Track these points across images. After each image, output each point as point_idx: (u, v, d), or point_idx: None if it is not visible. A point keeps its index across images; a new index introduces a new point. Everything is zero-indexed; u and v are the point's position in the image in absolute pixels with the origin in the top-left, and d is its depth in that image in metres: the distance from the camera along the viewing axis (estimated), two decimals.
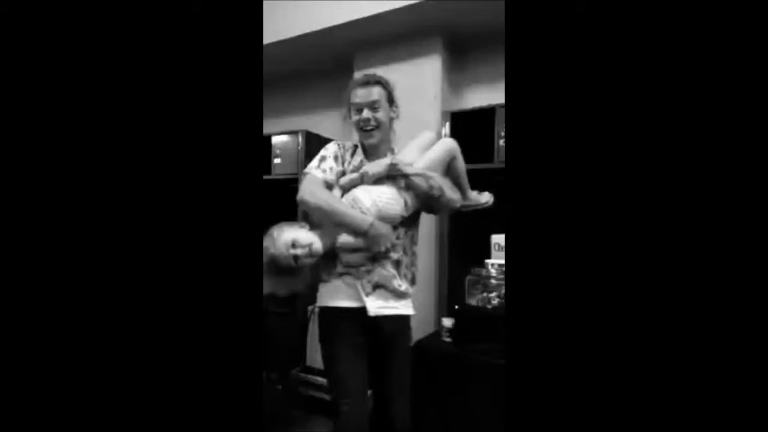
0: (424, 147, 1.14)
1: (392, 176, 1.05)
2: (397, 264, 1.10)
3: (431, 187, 1.04)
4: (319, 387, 1.92)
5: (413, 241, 1.17)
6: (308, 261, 0.98)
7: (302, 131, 2.26)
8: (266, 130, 2.50)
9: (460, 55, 2.21)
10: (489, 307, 1.47)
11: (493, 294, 1.49)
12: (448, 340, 1.60)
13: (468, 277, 1.59)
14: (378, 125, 1.12)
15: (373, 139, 1.13)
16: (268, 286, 0.97)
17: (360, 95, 1.12)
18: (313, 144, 2.32)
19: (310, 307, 2.03)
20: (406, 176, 1.04)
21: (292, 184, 2.29)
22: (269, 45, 2.31)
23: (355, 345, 1.09)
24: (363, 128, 1.13)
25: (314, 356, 1.99)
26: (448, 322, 1.62)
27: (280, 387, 1.94)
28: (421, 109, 2.06)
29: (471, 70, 2.21)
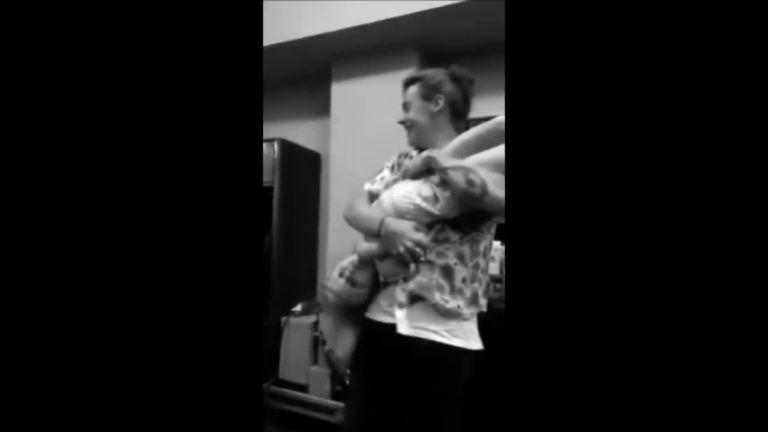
0: (483, 136, 0.90)
1: (431, 171, 0.89)
2: (446, 272, 0.86)
3: (470, 183, 0.80)
4: (292, 401, 1.87)
5: (477, 252, 0.90)
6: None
7: (278, 139, 2.24)
8: None
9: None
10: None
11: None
12: None
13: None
14: (411, 125, 1.03)
15: (410, 138, 1.05)
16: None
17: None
18: (289, 152, 2.30)
19: (283, 318, 1.98)
20: (443, 170, 0.85)
21: (266, 193, 2.26)
22: None
23: (371, 372, 0.93)
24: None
25: (287, 369, 1.94)
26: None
27: None
28: (394, 121, 2.08)
29: None
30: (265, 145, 2.28)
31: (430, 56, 2.20)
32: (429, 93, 0.99)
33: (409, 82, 1.04)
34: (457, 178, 0.82)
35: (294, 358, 1.92)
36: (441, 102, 0.98)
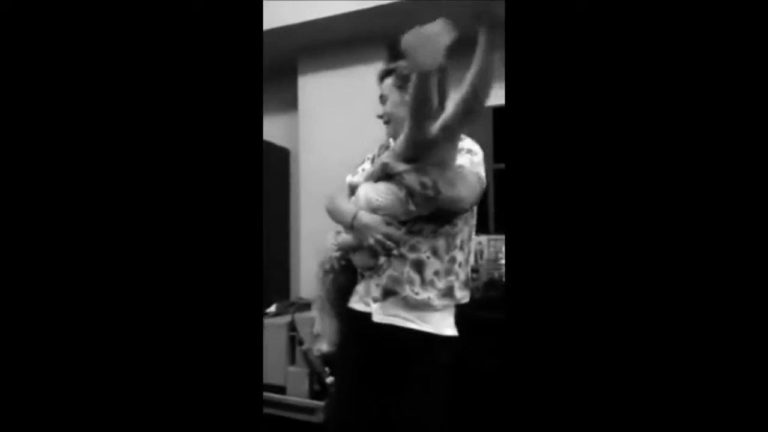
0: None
1: (390, 175, 0.92)
2: (417, 265, 0.90)
3: (423, 185, 0.84)
4: (271, 404, 1.83)
5: (453, 245, 0.92)
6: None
7: None
8: None
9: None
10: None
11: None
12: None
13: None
14: (389, 119, 1.02)
15: (389, 131, 1.04)
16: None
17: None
18: None
19: None
20: (398, 174, 0.88)
21: None
22: None
23: (355, 359, 0.96)
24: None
25: (264, 371, 1.90)
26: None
27: None
28: (364, 115, 2.07)
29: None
30: None
31: (398, 51, 2.19)
32: (403, 83, 0.97)
33: (384, 75, 1.04)
34: (412, 181, 0.85)
35: (271, 359, 1.88)
36: None
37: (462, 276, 0.93)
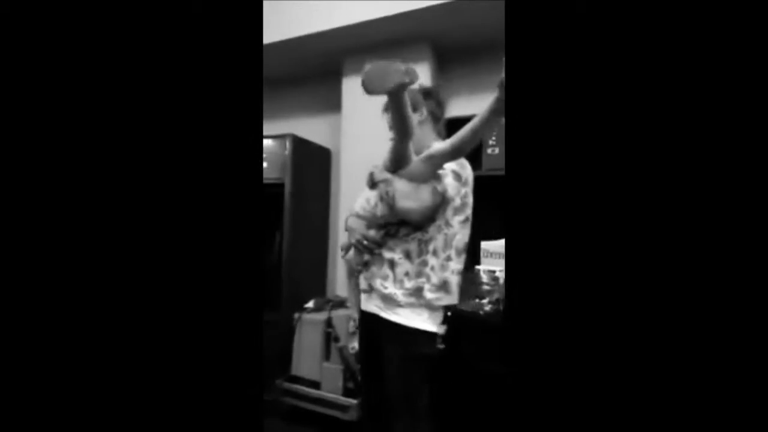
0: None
1: (375, 183, 1.09)
2: (391, 264, 1.04)
3: (386, 194, 1.00)
4: (305, 397, 1.87)
5: (426, 251, 1.04)
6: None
7: (289, 135, 2.23)
8: None
9: (447, 64, 2.24)
10: (482, 312, 1.47)
11: (485, 300, 1.49)
12: (441, 347, 1.59)
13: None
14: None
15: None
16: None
17: None
18: (300, 148, 2.30)
19: (296, 315, 1.99)
20: (376, 182, 1.06)
21: (278, 189, 2.26)
22: None
23: (361, 344, 1.20)
24: None
25: (300, 365, 1.94)
26: (440, 328, 1.61)
27: (263, 398, 1.88)
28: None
29: (456, 79, 2.24)
30: (276, 142, 2.28)
31: (442, 51, 2.17)
32: (414, 106, 1.10)
33: (386, 108, 1.18)
34: (381, 189, 1.03)
35: (307, 354, 1.92)
36: (424, 112, 1.16)
37: (435, 279, 1.03)
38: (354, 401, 1.73)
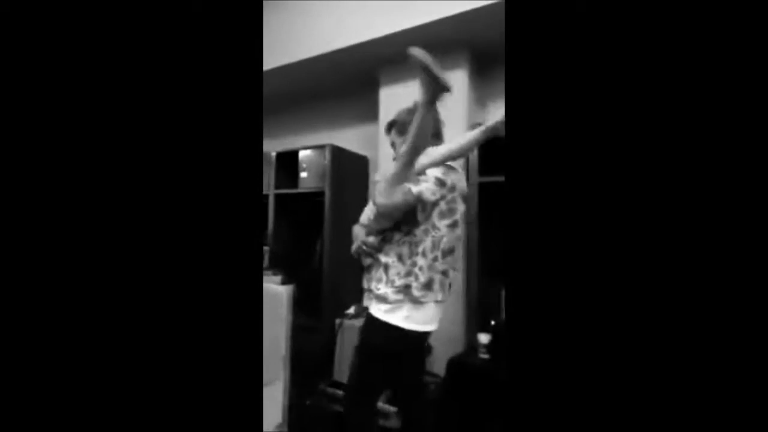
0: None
1: None
2: (385, 268, 1.14)
3: (372, 195, 1.16)
4: None
5: (416, 252, 1.12)
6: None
7: (328, 145, 2.29)
8: (293, 145, 2.55)
9: (486, 68, 2.21)
10: None
11: None
12: (485, 356, 1.55)
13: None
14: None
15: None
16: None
17: None
18: (339, 158, 2.35)
19: (338, 321, 2.02)
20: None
21: (318, 197, 2.32)
22: (297, 63, 2.38)
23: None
24: None
25: (342, 370, 1.97)
26: (484, 338, 1.58)
27: (307, 402, 1.92)
28: (448, 123, 2.06)
29: (494, 84, 2.20)
30: (316, 152, 2.34)
31: (480, 56, 2.14)
32: (405, 129, 1.19)
33: (388, 128, 1.32)
34: (371, 190, 1.19)
35: (348, 360, 1.95)
36: (401, 139, 1.23)
37: (422, 278, 1.11)
38: (395, 409, 1.73)
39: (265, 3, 2.60)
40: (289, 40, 2.42)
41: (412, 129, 1.05)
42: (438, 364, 1.82)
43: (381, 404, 1.79)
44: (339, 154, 2.35)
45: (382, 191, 1.09)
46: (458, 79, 2.08)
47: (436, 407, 1.57)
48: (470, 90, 2.10)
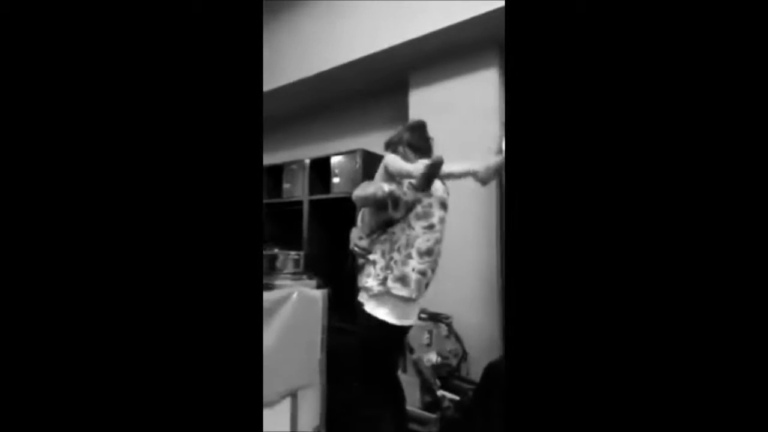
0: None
1: None
2: (373, 264, 1.29)
3: None
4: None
5: (393, 248, 1.28)
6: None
7: (360, 150, 2.31)
8: (325, 151, 2.60)
9: None
10: None
11: None
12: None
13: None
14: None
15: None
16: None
17: None
18: (371, 163, 2.36)
19: None
20: None
21: (350, 202, 2.34)
22: (328, 71, 2.42)
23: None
24: None
25: None
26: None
27: (343, 403, 1.93)
28: (479, 122, 2.03)
29: None
30: (347, 157, 2.37)
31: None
32: (394, 148, 1.44)
33: (386, 147, 1.48)
34: None
35: None
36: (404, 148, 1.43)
37: (396, 272, 1.23)
38: (433, 416, 1.70)
39: (294, 12, 2.68)
40: (321, 48, 2.47)
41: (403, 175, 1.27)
42: (474, 369, 1.78)
43: (413, 409, 1.77)
44: (370, 159, 2.37)
45: (361, 186, 1.32)
46: (489, 77, 2.04)
47: (470, 412, 1.53)
48: (501, 88, 2.06)
